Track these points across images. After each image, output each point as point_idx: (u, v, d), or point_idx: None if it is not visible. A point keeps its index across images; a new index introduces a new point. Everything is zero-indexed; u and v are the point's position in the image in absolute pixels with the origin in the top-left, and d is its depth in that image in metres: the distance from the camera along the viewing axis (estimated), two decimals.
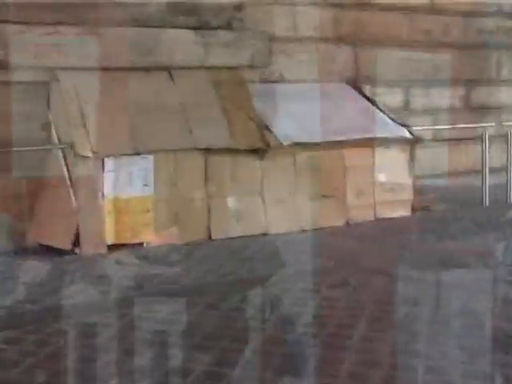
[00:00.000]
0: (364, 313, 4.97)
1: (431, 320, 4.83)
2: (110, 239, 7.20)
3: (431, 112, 10.10)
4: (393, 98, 9.83)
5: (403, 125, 8.89)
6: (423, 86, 10.10)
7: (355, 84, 9.49)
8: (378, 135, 8.57)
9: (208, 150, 7.57)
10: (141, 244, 7.34)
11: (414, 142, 8.79)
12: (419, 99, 10.08)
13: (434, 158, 9.90)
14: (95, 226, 7.12)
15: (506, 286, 5.66)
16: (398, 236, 7.66)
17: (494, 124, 9.72)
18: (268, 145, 7.78)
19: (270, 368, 3.98)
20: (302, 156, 8.06)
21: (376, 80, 9.62)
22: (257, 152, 7.82)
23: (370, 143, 8.48)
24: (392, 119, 8.96)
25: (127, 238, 7.28)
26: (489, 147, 9.31)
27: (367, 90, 9.44)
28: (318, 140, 8.11)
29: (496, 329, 4.57)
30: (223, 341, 4.41)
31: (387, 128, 8.75)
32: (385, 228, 8.14)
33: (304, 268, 6.20)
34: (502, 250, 6.83)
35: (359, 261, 6.54)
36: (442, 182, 9.77)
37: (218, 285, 5.89)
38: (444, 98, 10.25)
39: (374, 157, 8.55)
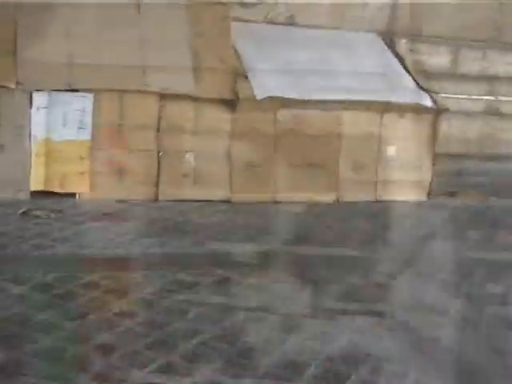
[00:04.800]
0: None
1: None
2: (37, 185, 6.26)
3: (485, 80, 8.31)
4: (437, 58, 8.13)
5: (428, 91, 7.26)
6: (479, 46, 8.30)
7: (388, 36, 7.91)
8: (391, 99, 7.03)
9: (163, 95, 6.39)
10: (73, 195, 6.35)
11: (437, 112, 7.18)
12: (471, 63, 8.31)
13: (480, 135, 8.17)
14: (18, 168, 6.19)
15: None
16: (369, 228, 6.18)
17: None
18: (237, 96, 6.47)
19: None
20: (285, 114, 6.71)
21: (418, 34, 7.97)
22: (227, 103, 6.55)
23: (377, 108, 6.97)
24: (417, 83, 7.36)
25: (57, 187, 6.30)
26: None
27: (402, 45, 7.84)
28: (307, 97, 6.71)
29: None
30: None
31: (406, 93, 7.20)
32: (374, 213, 6.69)
33: None
34: None
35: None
36: (479, 165, 8.05)
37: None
38: (505, 63, 8.41)
39: (381, 125, 7.04)
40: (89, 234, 5.34)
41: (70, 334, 3.44)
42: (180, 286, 4.24)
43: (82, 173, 6.32)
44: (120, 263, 4.68)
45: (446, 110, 7.25)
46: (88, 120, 6.25)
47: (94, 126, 6.28)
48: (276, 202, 6.73)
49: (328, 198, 6.94)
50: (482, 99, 8.31)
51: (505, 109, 8.47)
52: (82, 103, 6.21)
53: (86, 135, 6.28)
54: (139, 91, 6.33)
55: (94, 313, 3.71)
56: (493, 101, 8.39)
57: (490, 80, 8.36)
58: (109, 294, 4.05)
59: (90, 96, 6.21)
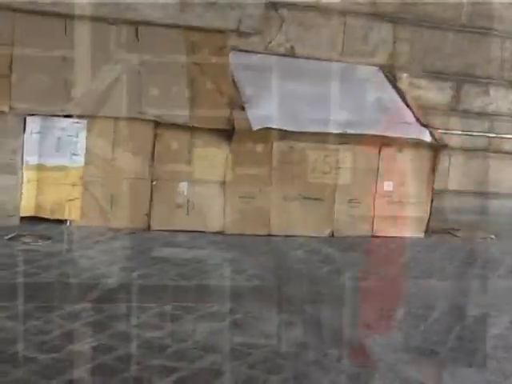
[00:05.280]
0: None
1: None
2: (28, 211, 6.17)
3: (487, 117, 8.22)
4: (438, 93, 8.06)
5: (428, 126, 7.17)
6: (481, 83, 8.23)
7: (389, 70, 7.85)
8: (390, 134, 6.95)
9: (159, 124, 6.33)
10: (64, 221, 6.26)
11: (437, 147, 7.08)
12: (473, 99, 8.23)
13: (480, 172, 8.07)
14: (9, 193, 6.11)
15: None
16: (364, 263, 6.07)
17: None
18: (233, 126, 6.40)
19: None
20: (281, 146, 6.63)
21: (419, 69, 7.91)
22: (223, 133, 6.47)
23: (375, 142, 6.88)
24: (417, 118, 7.28)
25: (48, 213, 6.22)
26: None
27: (403, 79, 7.77)
28: (304, 129, 6.63)
29: None
30: None
31: (405, 128, 7.10)
32: (370, 249, 6.58)
33: None
34: None
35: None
36: (478, 202, 7.94)
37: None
38: (507, 101, 8.34)
39: (379, 159, 6.94)
40: (76, 262, 5.25)
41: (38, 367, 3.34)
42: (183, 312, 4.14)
43: (73, 200, 6.23)
44: (105, 293, 4.57)
45: (446, 146, 7.16)
46: (81, 146, 6.18)
47: (88, 153, 6.21)
48: (270, 236, 6.62)
49: (323, 232, 6.83)
50: (483, 136, 8.21)
51: (506, 147, 8.37)
52: (76, 129, 6.14)
53: (78, 162, 6.21)
54: (134, 119, 6.26)
55: (66, 346, 3.60)
56: (494, 138, 8.29)
57: (491, 117, 8.28)
58: (87, 327, 3.94)
59: (84, 122, 6.15)
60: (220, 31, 6.83)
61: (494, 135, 8.27)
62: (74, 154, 6.19)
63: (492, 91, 8.24)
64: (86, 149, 6.20)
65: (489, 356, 4.17)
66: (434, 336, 4.37)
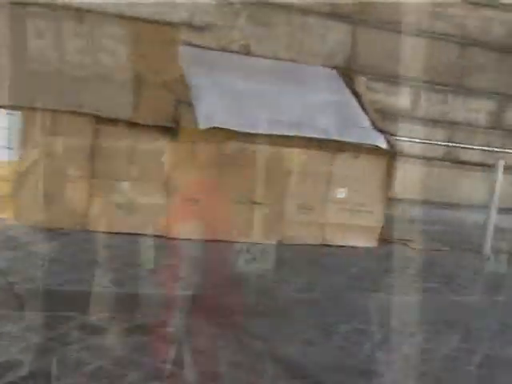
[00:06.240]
0: None
1: None
2: None
3: (445, 125, 7.99)
4: (396, 98, 7.81)
5: (385, 132, 6.90)
6: (441, 90, 7.99)
7: (346, 72, 7.57)
8: (345, 139, 6.66)
9: (99, 118, 5.95)
10: None
11: (393, 154, 6.81)
12: (432, 106, 7.99)
13: (437, 182, 7.83)
14: None
15: None
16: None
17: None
18: (178, 124, 6.05)
19: None
20: (230, 147, 6.30)
21: (377, 73, 7.64)
22: (168, 131, 6.12)
23: (329, 146, 6.59)
24: (373, 123, 7.00)
25: None
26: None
27: (361, 82, 7.49)
28: (254, 130, 6.31)
29: None
30: None
31: (361, 133, 6.81)
32: (316, 258, 6.28)
33: None
34: None
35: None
36: (434, 212, 7.70)
37: None
38: (465, 110, 8.11)
39: (332, 165, 6.65)
40: None
41: None
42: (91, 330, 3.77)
43: (6, 196, 5.83)
44: (20, 300, 4.19)
45: (401, 153, 6.90)
46: (15, 140, 5.78)
47: (22, 147, 5.81)
48: (215, 241, 6.28)
49: (271, 239, 6.52)
50: (441, 145, 7.98)
51: (464, 156, 8.15)
52: (9, 121, 5.74)
53: (12, 156, 5.81)
54: (72, 112, 5.87)
55: None
56: (452, 147, 8.06)
57: (449, 126, 8.05)
58: None
59: (18, 114, 5.75)
60: (170, 24, 6.47)
61: (453, 144, 8.03)
62: (7, 148, 5.79)
63: (451, 99, 8.00)
64: (20, 143, 5.80)
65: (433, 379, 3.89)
66: (377, 354, 4.08)
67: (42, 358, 3.41)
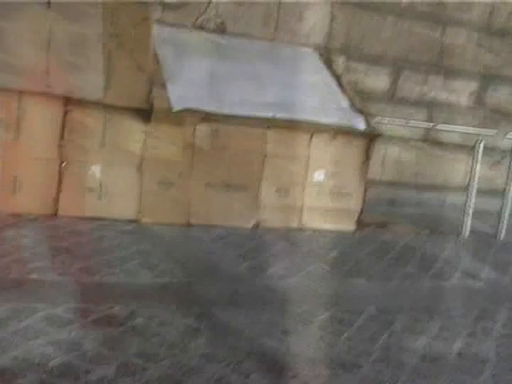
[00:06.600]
0: None
1: None
2: None
3: (425, 106, 7.85)
4: (375, 79, 7.65)
5: (363, 113, 6.75)
6: (421, 70, 7.84)
7: (325, 53, 7.39)
8: (323, 120, 6.50)
9: (69, 99, 5.74)
10: None
11: (372, 136, 6.67)
12: (412, 87, 7.84)
13: (416, 164, 7.71)
14: None
15: None
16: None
17: (494, 132, 7.40)
18: (150, 106, 5.86)
19: None
20: (204, 129, 6.11)
21: (357, 53, 7.47)
22: (141, 113, 5.92)
23: (306, 128, 6.43)
24: (352, 104, 6.85)
25: None
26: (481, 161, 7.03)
27: (339, 62, 7.32)
28: (229, 112, 6.13)
29: None
30: None
31: (339, 114, 6.66)
32: (296, 243, 6.14)
33: None
34: None
35: None
36: (414, 195, 7.57)
37: None
38: (446, 91, 7.97)
39: (310, 147, 6.49)
40: None
41: None
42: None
43: None
44: None
45: (381, 134, 6.75)
46: None
47: None
48: (190, 225, 6.12)
49: (247, 223, 6.37)
50: (421, 126, 7.84)
51: (444, 137, 8.03)
52: None
53: None
54: (41, 93, 5.65)
55: None
56: (432, 128, 7.93)
57: (429, 106, 7.92)
58: None
59: None
60: (142, 2, 6.25)
61: (432, 125, 7.90)
62: None
63: (431, 79, 7.86)
64: None
65: (415, 370, 3.78)
66: (359, 346, 3.96)
67: None
